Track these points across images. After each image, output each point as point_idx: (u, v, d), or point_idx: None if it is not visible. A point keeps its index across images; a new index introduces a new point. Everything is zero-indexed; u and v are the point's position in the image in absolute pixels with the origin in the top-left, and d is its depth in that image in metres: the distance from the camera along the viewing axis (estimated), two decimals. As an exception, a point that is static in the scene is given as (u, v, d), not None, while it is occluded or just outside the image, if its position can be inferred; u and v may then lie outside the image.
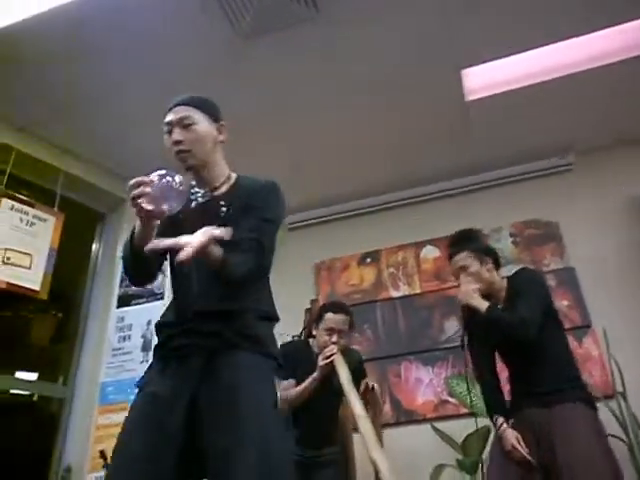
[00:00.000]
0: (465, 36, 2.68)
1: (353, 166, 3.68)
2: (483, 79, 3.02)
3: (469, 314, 2.07)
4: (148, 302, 1.84)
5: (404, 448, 2.98)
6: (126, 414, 1.35)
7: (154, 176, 1.23)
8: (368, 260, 3.87)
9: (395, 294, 3.70)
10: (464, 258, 2.08)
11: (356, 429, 2.16)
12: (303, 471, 2.46)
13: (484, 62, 2.88)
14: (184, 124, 1.47)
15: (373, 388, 2.58)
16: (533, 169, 3.69)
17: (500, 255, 2.21)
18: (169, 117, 1.50)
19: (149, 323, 3.19)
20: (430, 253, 3.75)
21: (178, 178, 1.24)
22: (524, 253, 3.53)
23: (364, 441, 2.00)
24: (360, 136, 3.39)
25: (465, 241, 2.13)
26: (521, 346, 1.96)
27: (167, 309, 1.50)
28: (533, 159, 3.68)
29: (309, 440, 2.50)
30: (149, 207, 1.21)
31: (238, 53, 2.70)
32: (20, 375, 3.39)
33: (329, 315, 2.53)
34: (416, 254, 3.78)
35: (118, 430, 1.32)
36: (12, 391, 3.32)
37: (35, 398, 3.27)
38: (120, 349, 3.23)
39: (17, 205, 3.00)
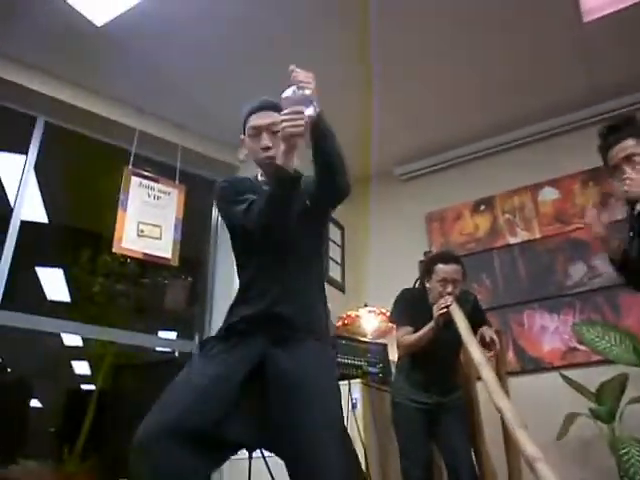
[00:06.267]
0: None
1: (461, 110, 3.52)
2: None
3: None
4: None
5: (531, 397, 2.90)
6: None
7: (289, 91, 1.29)
8: (482, 207, 3.73)
9: (513, 240, 3.54)
10: (633, 146, 1.67)
11: (479, 376, 2.14)
12: (428, 416, 2.51)
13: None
14: (273, 130, 1.43)
15: (492, 341, 2.51)
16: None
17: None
18: (256, 121, 1.46)
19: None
20: (549, 195, 3.51)
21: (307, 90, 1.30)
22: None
23: (487, 389, 1.98)
24: (469, 76, 3.23)
25: (629, 127, 1.72)
26: None
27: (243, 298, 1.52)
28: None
29: (432, 386, 2.53)
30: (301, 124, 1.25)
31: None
32: (162, 334, 3.78)
33: (440, 266, 2.51)
34: (533, 197, 3.56)
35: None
36: (157, 348, 3.72)
37: (177, 354, 3.62)
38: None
39: (144, 182, 3.29)
